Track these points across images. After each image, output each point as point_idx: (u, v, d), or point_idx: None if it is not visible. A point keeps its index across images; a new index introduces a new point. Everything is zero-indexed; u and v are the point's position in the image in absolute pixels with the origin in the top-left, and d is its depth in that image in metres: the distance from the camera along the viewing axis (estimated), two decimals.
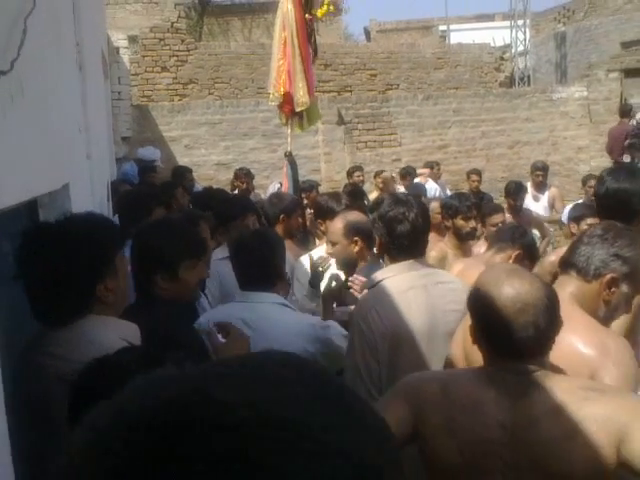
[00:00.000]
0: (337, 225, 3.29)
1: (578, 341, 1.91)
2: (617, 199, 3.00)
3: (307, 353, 2.52)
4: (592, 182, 6.02)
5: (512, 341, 1.64)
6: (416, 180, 8.65)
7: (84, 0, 4.09)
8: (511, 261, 3.27)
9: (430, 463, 1.77)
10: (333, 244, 3.28)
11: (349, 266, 3.22)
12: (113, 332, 1.71)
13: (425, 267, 2.65)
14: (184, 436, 0.42)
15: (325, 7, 6.39)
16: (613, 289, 2.06)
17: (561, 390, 1.62)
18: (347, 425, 0.46)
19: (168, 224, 2.55)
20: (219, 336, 2.25)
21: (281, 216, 4.08)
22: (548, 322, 1.63)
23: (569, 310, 1.96)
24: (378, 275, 2.60)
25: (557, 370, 1.80)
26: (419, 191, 7.03)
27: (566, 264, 2.14)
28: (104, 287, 1.80)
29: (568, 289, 2.07)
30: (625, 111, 10.98)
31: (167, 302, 2.29)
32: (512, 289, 1.65)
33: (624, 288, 2.06)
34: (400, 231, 2.56)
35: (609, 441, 1.52)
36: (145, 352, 1.32)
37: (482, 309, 1.71)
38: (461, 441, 1.67)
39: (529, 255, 3.41)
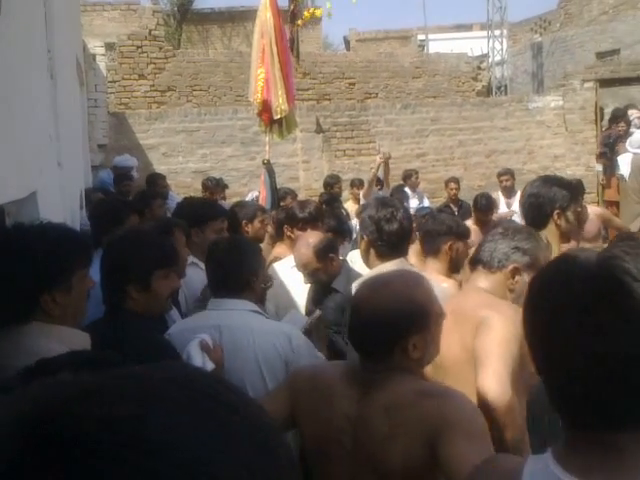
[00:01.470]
0: (307, 255, 3.19)
1: (476, 306, 2.17)
2: (530, 204, 3.12)
3: (282, 360, 2.51)
4: None
5: (358, 341, 1.80)
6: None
7: (57, 7, 4.06)
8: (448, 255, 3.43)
9: (303, 446, 1.92)
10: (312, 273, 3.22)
11: (331, 282, 3.26)
12: (58, 341, 1.66)
13: (410, 267, 2.80)
14: (41, 444, 0.45)
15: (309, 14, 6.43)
16: (517, 278, 2.26)
17: (395, 392, 1.72)
18: (203, 442, 0.47)
19: (138, 234, 2.55)
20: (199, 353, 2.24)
21: (243, 221, 4.14)
22: (392, 325, 1.73)
23: (484, 297, 2.23)
24: (373, 273, 2.63)
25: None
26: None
27: (474, 261, 2.39)
28: (51, 299, 1.74)
29: (479, 283, 2.30)
30: (614, 117, 10.60)
31: (137, 315, 2.27)
32: (361, 296, 1.83)
33: (525, 277, 2.22)
34: (390, 230, 2.74)
35: (424, 442, 1.61)
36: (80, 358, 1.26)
37: (349, 310, 1.88)
38: (316, 427, 1.83)
39: (458, 237, 3.47)
